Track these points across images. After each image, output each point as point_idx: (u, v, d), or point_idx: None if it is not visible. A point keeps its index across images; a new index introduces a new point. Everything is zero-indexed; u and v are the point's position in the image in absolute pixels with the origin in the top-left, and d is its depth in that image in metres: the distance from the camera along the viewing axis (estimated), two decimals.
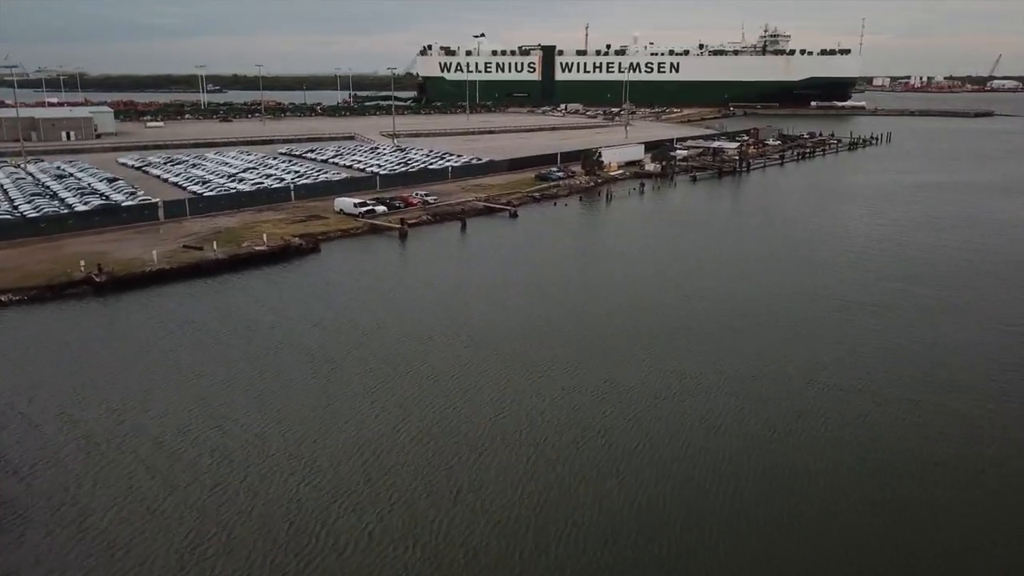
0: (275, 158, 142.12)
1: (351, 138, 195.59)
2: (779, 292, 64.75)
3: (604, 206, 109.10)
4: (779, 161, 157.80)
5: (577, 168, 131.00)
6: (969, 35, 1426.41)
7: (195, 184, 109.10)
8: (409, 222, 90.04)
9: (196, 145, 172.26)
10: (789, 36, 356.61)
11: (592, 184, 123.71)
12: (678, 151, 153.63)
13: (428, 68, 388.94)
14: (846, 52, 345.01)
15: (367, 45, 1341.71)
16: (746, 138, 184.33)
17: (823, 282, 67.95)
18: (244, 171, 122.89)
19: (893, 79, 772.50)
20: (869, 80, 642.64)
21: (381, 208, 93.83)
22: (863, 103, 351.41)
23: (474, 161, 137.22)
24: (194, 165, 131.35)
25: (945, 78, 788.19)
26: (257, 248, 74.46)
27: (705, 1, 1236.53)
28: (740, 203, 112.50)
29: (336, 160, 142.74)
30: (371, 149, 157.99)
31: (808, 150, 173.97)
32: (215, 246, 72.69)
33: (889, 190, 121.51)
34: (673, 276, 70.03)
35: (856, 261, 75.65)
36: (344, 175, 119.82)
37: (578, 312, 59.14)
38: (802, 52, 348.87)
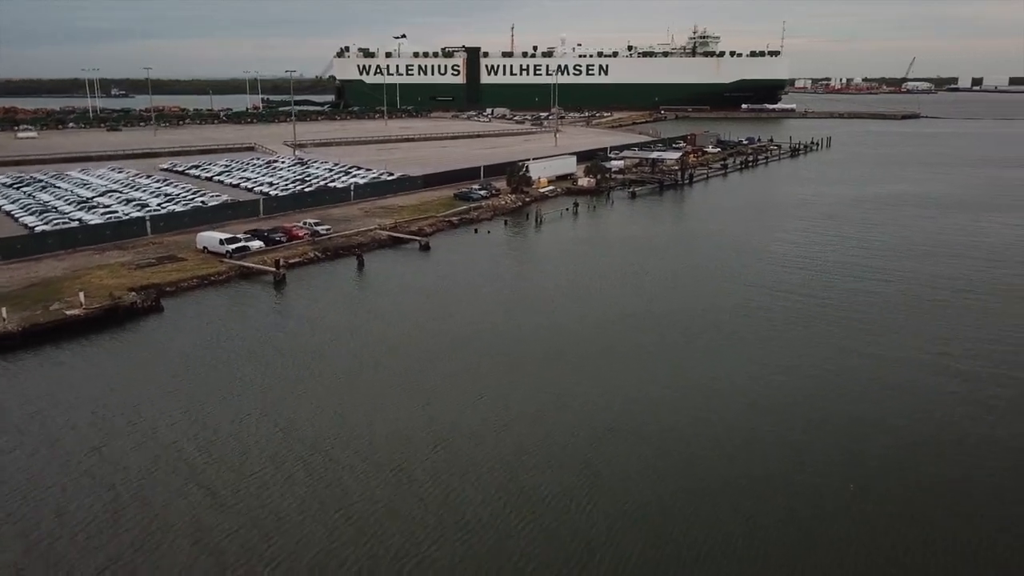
0: (149, 176, 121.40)
1: (251, 149, 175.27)
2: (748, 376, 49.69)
3: (533, 231, 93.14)
4: (722, 171, 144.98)
5: (502, 184, 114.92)
6: (885, 39, 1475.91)
7: (30, 215, 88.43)
8: (290, 261, 72.21)
9: (67, 160, 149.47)
10: (718, 37, 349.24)
11: (519, 204, 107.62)
12: (613, 162, 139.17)
13: (346, 71, 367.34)
14: (775, 54, 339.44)
15: (301, 49, 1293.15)
16: (683, 144, 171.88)
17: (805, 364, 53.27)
18: (104, 194, 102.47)
19: (814, 81, 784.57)
20: (792, 82, 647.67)
21: (257, 243, 75.46)
22: (793, 106, 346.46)
23: (384, 177, 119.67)
24: (45, 187, 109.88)
25: (863, 80, 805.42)
26: (69, 312, 55.50)
27: (630, 2, 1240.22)
28: (688, 226, 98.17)
29: (222, 178, 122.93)
30: (267, 163, 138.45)
31: (750, 158, 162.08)
32: (3, 313, 53.25)
33: (849, 206, 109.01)
34: (620, 342, 54.25)
35: (843, 317, 61.48)
36: (225, 198, 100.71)
37: (494, 413, 42.72)
38: (732, 54, 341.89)
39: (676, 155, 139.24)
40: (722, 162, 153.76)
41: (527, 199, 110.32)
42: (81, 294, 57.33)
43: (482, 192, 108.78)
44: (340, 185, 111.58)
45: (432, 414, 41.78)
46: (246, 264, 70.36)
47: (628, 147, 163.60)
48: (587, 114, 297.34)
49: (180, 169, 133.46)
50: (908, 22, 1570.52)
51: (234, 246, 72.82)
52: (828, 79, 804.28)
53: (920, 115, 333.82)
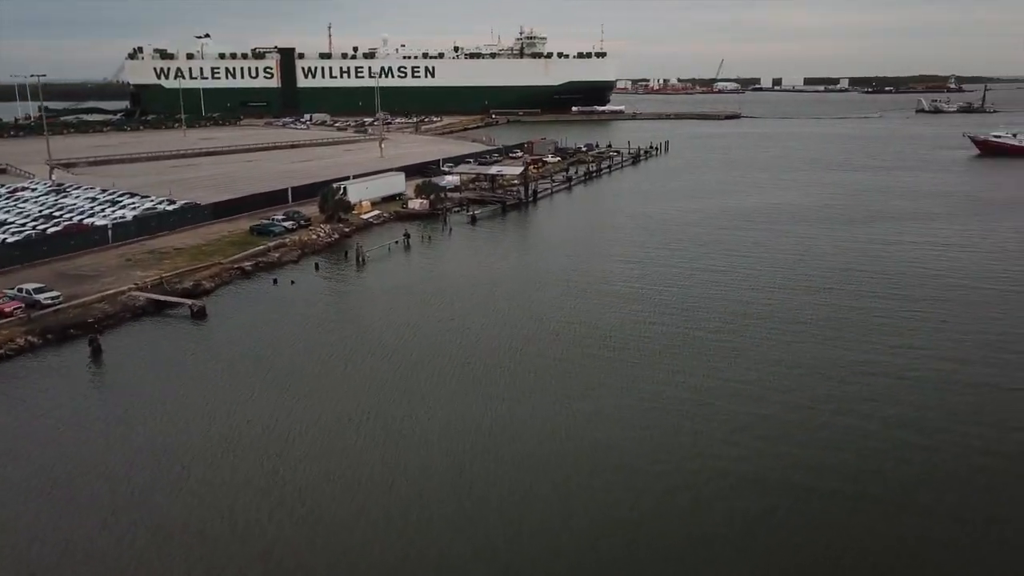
0: None
1: (2, 171, 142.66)
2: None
3: (354, 276, 73.94)
4: (566, 184, 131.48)
5: (314, 210, 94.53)
6: (696, 43, 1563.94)
7: None
8: None
9: None
10: (545, 38, 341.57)
11: (336, 237, 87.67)
12: (447, 177, 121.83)
13: (140, 74, 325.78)
14: (602, 55, 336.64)
15: (96, 51, 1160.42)
16: (521, 154, 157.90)
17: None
18: None
19: (634, 82, 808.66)
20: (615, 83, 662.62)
21: None
22: (622, 107, 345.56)
23: (162, 207, 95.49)
24: None
25: (679, 80, 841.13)
26: None
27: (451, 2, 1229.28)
28: (537, 259, 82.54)
29: None
30: (11, 192, 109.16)
31: (592, 167, 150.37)
32: None
33: (712, 225, 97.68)
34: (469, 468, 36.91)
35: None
36: None
37: None
38: (560, 55, 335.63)
39: (517, 169, 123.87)
40: (564, 173, 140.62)
41: (346, 230, 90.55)
42: None
43: (287, 224, 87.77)
44: (100, 221, 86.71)
45: None
46: None
47: (463, 159, 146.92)
48: (415, 119, 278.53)
49: None
50: (717, 28, 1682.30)
51: None
52: (647, 80, 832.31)
53: (741, 115, 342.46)
